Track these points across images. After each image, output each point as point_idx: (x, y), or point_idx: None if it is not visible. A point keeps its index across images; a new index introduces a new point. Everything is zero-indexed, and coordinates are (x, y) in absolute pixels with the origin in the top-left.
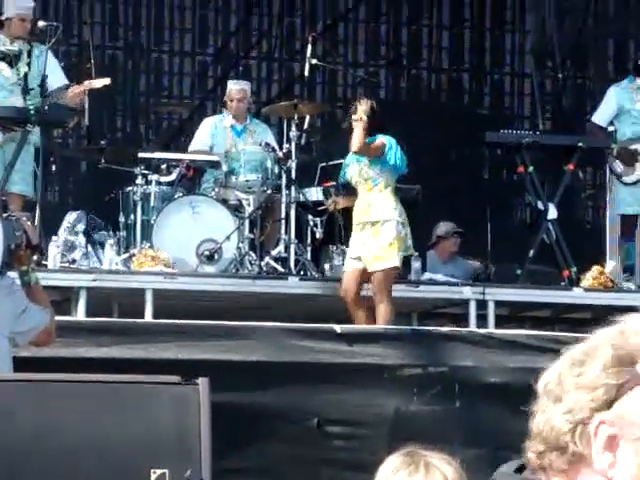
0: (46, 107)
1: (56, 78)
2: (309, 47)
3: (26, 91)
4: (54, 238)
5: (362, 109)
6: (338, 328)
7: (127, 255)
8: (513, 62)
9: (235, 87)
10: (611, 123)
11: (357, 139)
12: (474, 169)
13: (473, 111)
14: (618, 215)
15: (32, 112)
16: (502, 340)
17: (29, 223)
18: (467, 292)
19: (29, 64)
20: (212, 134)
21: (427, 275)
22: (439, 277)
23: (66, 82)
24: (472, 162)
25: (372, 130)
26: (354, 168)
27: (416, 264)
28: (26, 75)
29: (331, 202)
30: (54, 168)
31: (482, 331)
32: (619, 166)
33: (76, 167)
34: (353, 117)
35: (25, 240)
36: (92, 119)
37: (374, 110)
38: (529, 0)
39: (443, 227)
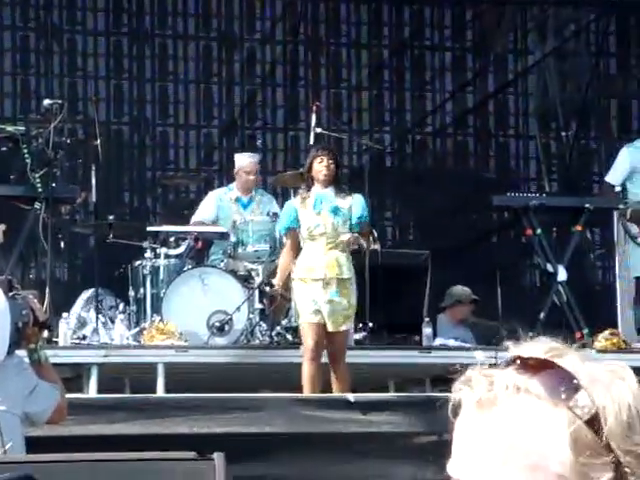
0: (54, 184)
1: None
2: (313, 116)
3: None
4: (64, 315)
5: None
6: (351, 397)
7: (137, 329)
8: (517, 124)
9: (246, 160)
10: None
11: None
12: (482, 233)
13: (479, 175)
14: (634, 278)
15: (40, 189)
16: None
17: (36, 300)
18: (479, 356)
19: None
20: (218, 206)
21: (439, 340)
22: (451, 342)
23: None
24: (480, 226)
25: (337, 183)
26: (326, 219)
27: (427, 329)
28: None
29: (276, 293)
30: (62, 245)
31: None
32: (634, 227)
33: (84, 243)
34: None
35: (32, 318)
36: (99, 194)
37: (338, 161)
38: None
39: (461, 292)
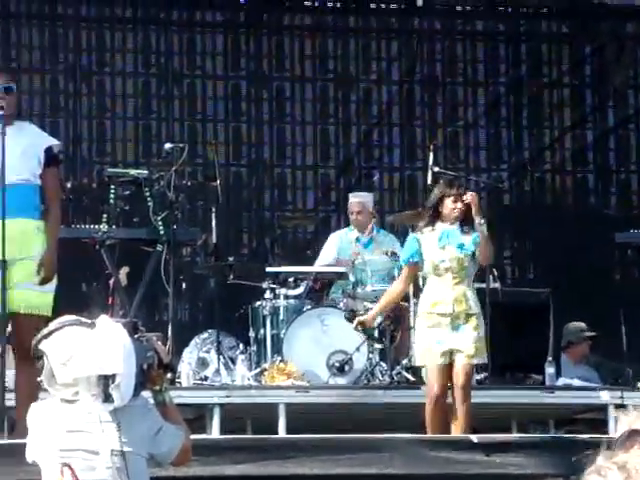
0: (175, 226)
1: None
2: (431, 155)
3: None
4: (186, 356)
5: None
6: (474, 437)
7: (259, 370)
8: (639, 160)
9: (354, 200)
10: None
11: (490, 250)
12: (604, 270)
13: (600, 212)
14: None
15: (162, 232)
16: None
17: (160, 342)
18: (605, 397)
19: None
20: (339, 247)
21: (562, 380)
22: (575, 382)
23: None
24: (602, 263)
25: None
26: (451, 255)
27: (550, 369)
28: None
29: (356, 324)
30: (184, 286)
31: None
32: None
33: (205, 284)
34: (481, 225)
35: (157, 360)
36: (219, 236)
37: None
38: None
39: (574, 331)
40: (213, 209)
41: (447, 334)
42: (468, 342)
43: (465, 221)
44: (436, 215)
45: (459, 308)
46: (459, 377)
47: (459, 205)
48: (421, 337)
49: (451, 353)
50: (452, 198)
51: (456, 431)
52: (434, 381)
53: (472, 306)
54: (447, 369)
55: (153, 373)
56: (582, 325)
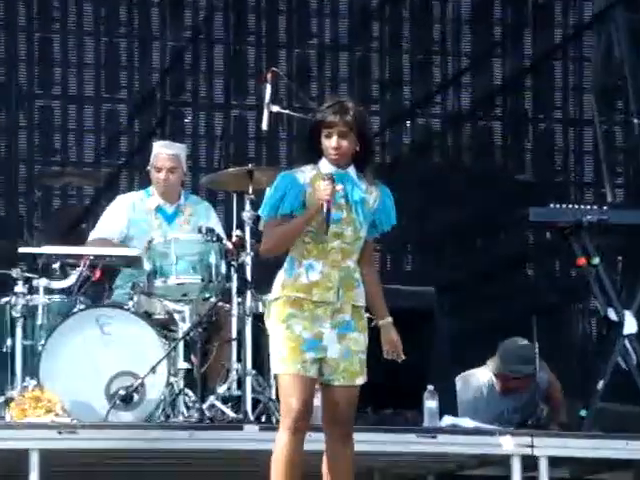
0: None
1: None
2: (268, 88)
3: None
4: None
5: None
6: None
7: (1, 400)
8: (566, 105)
9: (164, 152)
10: None
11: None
12: (512, 261)
13: (508, 177)
14: None
15: None
16: None
17: None
18: (507, 444)
19: None
20: (129, 219)
21: (448, 420)
22: (466, 422)
23: None
24: (509, 251)
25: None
26: (345, 212)
27: (431, 403)
28: None
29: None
30: None
31: None
32: None
33: None
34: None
35: None
36: None
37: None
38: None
39: (510, 360)
40: None
41: (325, 333)
42: (352, 352)
43: (360, 162)
44: (316, 153)
45: (346, 296)
46: (340, 405)
47: (339, 142)
48: (279, 335)
49: (322, 363)
50: (325, 132)
51: None
52: (292, 397)
53: (360, 296)
54: (312, 384)
55: None
56: (526, 354)
